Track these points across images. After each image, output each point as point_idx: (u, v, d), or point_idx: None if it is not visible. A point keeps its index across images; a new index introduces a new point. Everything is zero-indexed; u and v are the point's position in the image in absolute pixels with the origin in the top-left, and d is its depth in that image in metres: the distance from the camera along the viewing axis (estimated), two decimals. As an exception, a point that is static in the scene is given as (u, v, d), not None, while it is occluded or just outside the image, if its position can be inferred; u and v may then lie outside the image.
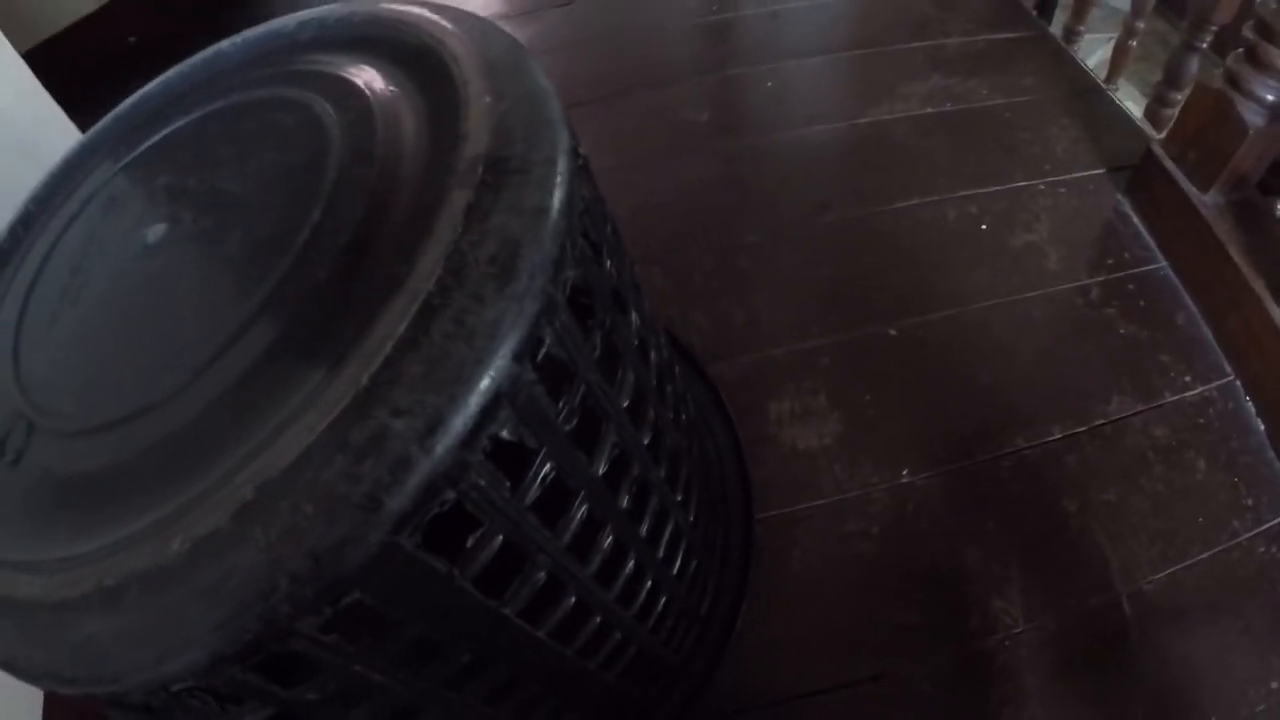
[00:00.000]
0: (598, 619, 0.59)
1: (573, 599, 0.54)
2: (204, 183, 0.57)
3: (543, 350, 0.41)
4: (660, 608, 0.70)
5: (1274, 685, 0.92)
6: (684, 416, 0.72)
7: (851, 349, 1.11)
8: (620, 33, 1.71)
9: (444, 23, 0.60)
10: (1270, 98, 1.10)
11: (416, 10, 0.63)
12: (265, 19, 0.69)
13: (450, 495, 0.39)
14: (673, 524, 0.67)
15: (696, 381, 1.04)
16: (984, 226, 1.25)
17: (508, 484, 0.42)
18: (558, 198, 0.44)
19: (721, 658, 0.86)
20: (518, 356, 0.40)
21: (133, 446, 0.43)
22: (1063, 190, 1.31)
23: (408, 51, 0.58)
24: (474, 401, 0.38)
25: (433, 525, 0.40)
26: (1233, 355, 1.16)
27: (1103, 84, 1.57)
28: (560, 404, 0.45)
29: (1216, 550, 1.00)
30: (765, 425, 1.04)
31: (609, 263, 0.53)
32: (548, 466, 0.45)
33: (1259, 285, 1.11)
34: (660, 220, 1.29)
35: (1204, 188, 1.21)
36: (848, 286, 1.19)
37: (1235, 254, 1.15)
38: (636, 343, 0.57)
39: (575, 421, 0.46)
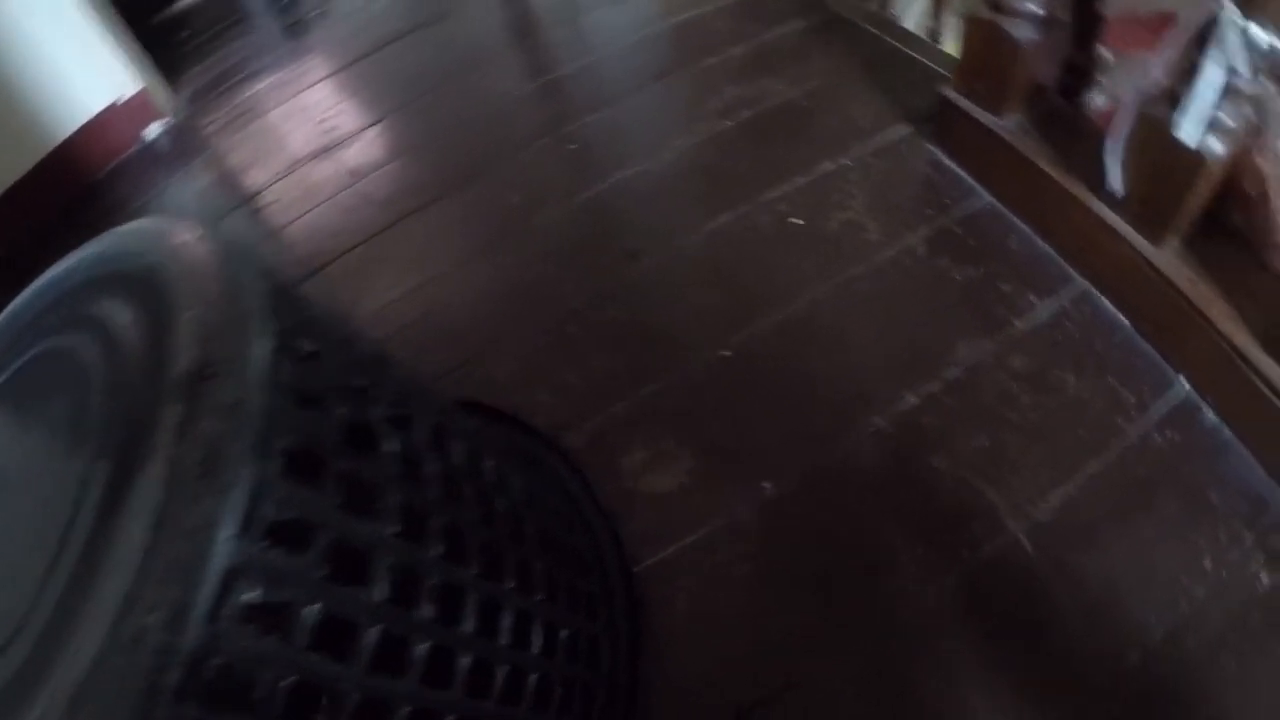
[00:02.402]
0: (452, 718, 0.71)
1: (408, 708, 0.66)
2: (7, 446, 0.70)
3: (267, 521, 0.54)
4: (534, 685, 0.81)
5: (1207, 565, 1.02)
6: (498, 507, 0.84)
7: (689, 384, 1.25)
8: (433, 137, 1.87)
9: (174, 238, 0.73)
10: (1032, 8, 1.25)
11: (153, 230, 0.76)
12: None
13: (217, 662, 0.52)
14: (512, 609, 0.79)
15: (549, 456, 1.16)
16: (798, 221, 1.40)
17: (275, 636, 0.55)
18: (255, 389, 0.57)
19: (633, 710, 0.97)
20: (240, 535, 0.52)
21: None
22: (872, 159, 1.46)
23: (143, 276, 0.71)
24: (207, 584, 0.50)
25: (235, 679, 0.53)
26: (1075, 261, 1.29)
27: (920, 34, 1.73)
28: (308, 554, 0.58)
29: (1108, 456, 1.11)
30: (621, 480, 1.16)
31: (342, 410, 0.66)
32: (316, 608, 0.58)
33: (1078, 188, 1.25)
34: (492, 313, 1.44)
35: (999, 113, 1.35)
36: (673, 323, 1.33)
37: (1047, 166, 1.29)
38: (402, 468, 0.70)
39: (328, 565, 0.59)
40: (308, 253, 1.69)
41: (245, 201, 1.95)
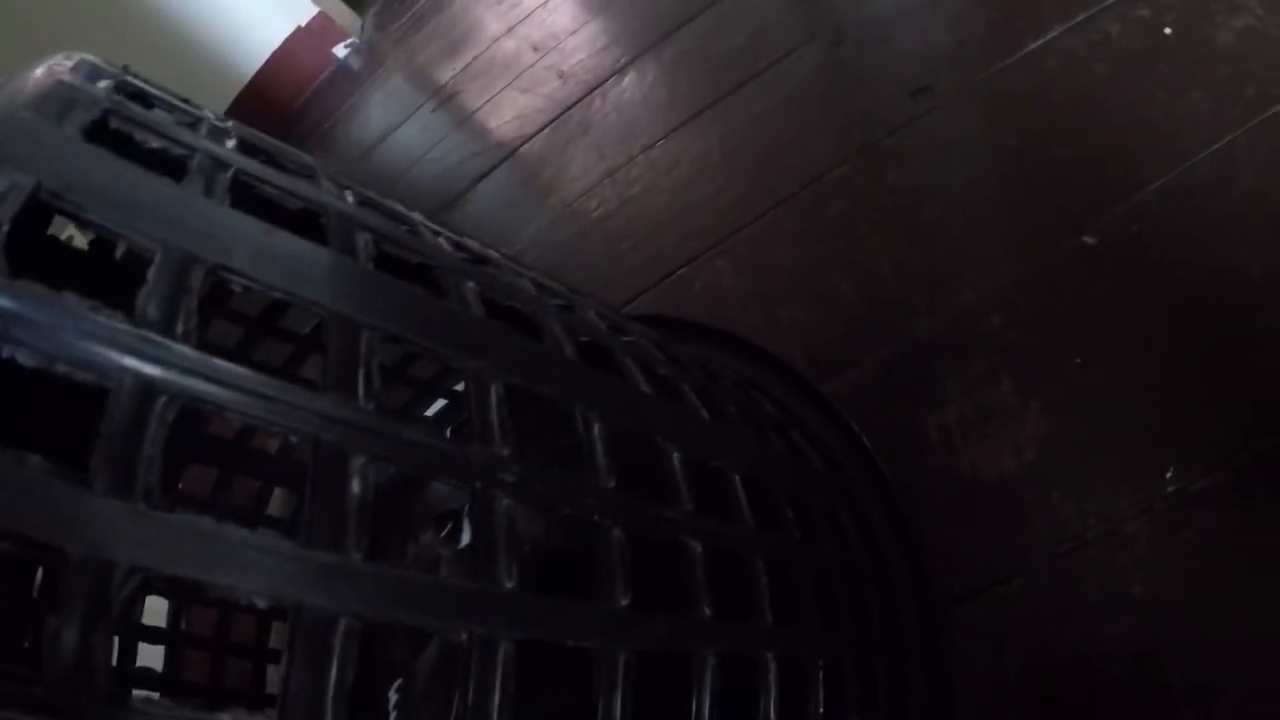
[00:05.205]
0: None
1: None
2: None
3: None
4: None
5: None
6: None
7: (1032, 289, 0.76)
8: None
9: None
10: None
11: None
12: None
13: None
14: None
15: (806, 411, 0.71)
16: (1168, 31, 0.83)
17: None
18: None
19: None
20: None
21: None
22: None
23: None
24: None
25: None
26: None
27: None
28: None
29: None
30: (925, 452, 0.72)
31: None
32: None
33: None
34: (714, 195, 1.03)
35: None
36: (999, 193, 0.84)
37: None
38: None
39: None
40: (496, 140, 1.46)
41: (434, 95, 1.77)
